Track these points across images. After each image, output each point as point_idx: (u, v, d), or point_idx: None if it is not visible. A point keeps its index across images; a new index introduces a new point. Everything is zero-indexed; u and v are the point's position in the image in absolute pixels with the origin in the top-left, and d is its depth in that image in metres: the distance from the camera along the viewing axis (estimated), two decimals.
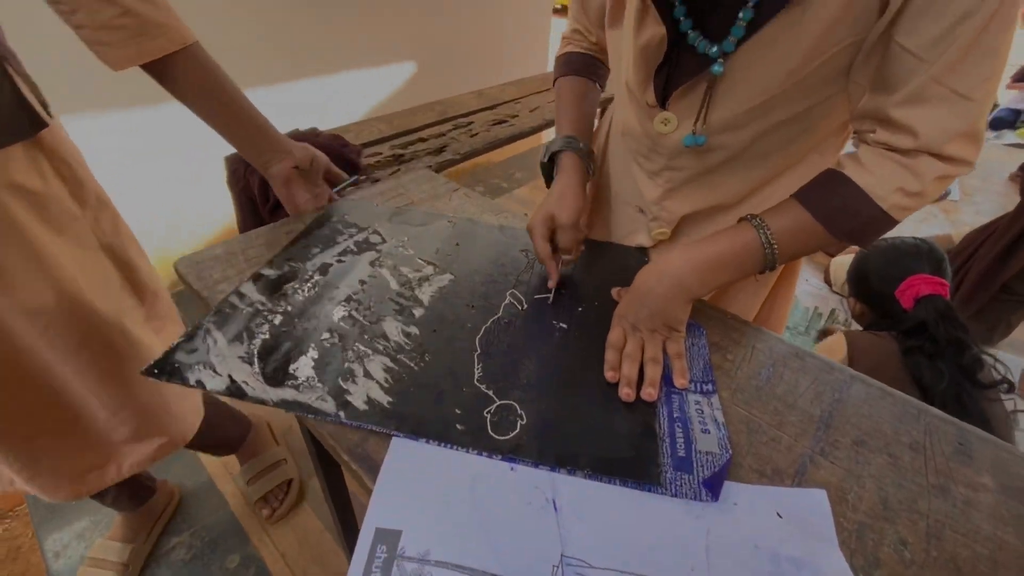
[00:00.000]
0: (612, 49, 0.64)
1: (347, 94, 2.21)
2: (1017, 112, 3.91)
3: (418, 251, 0.69)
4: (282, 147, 0.72)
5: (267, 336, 0.54)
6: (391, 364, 0.52)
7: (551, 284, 0.61)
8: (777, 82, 0.48)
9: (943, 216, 2.75)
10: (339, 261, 0.67)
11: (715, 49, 0.48)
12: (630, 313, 0.54)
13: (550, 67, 3.01)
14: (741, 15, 0.45)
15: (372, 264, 0.66)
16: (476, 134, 1.72)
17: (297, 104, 2.06)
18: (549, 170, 0.69)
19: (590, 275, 0.67)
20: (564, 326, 0.58)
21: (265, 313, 0.57)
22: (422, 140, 1.65)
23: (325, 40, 2.10)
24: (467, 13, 2.68)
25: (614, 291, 0.62)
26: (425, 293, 0.62)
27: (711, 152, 0.58)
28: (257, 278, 0.63)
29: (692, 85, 0.52)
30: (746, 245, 0.51)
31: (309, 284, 0.62)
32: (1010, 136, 3.81)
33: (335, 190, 1.34)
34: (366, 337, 0.55)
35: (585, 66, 0.70)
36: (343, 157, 1.43)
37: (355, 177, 1.41)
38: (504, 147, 1.81)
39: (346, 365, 0.51)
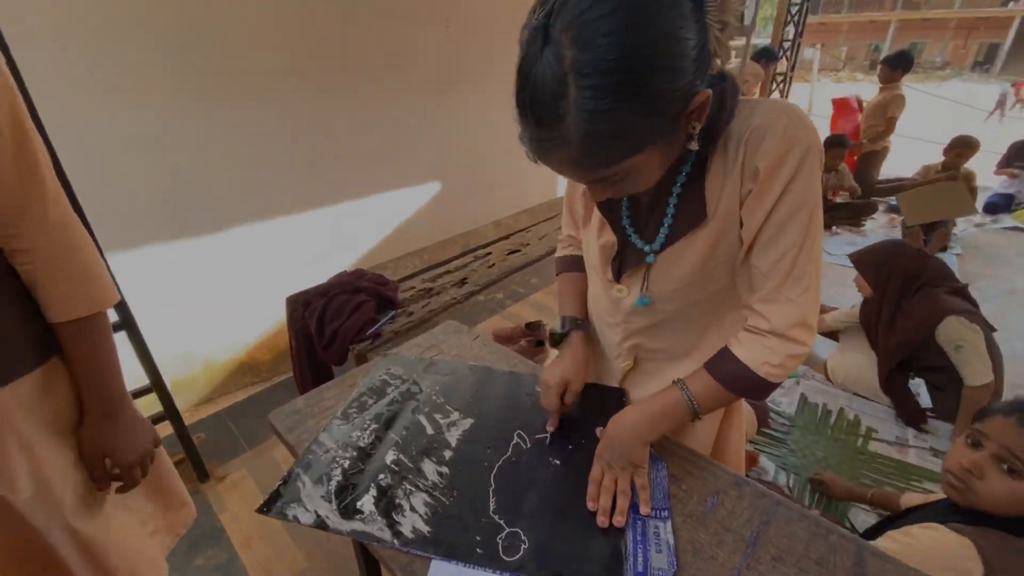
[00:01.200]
0: (583, 241, 0.89)
1: (378, 221, 2.57)
2: (1009, 196, 4.10)
3: (448, 399, 0.91)
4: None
5: (340, 478, 0.75)
6: (429, 499, 0.71)
7: (551, 428, 0.81)
8: (688, 273, 0.71)
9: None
10: (389, 410, 0.88)
11: (648, 247, 0.73)
12: (604, 454, 0.73)
13: (559, 192, 3.41)
14: (660, 234, 0.71)
15: (413, 412, 0.88)
16: (493, 264, 2.01)
17: (339, 233, 2.42)
18: (561, 337, 0.91)
19: (580, 415, 0.86)
20: (558, 462, 0.77)
21: (337, 459, 0.78)
22: (448, 272, 1.95)
23: (355, 174, 2.50)
24: (483, 143, 3.12)
25: (598, 430, 0.81)
26: (453, 436, 0.82)
27: (654, 312, 0.80)
28: (330, 429, 0.85)
29: (637, 268, 0.76)
30: (676, 402, 0.71)
31: (368, 432, 0.84)
32: (1007, 220, 3.97)
33: (377, 326, 1.61)
34: (410, 477, 0.75)
35: (578, 264, 0.96)
36: (384, 296, 1.72)
37: (392, 313, 1.69)
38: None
39: (397, 501, 0.71)
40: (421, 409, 0.89)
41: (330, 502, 0.71)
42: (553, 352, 0.93)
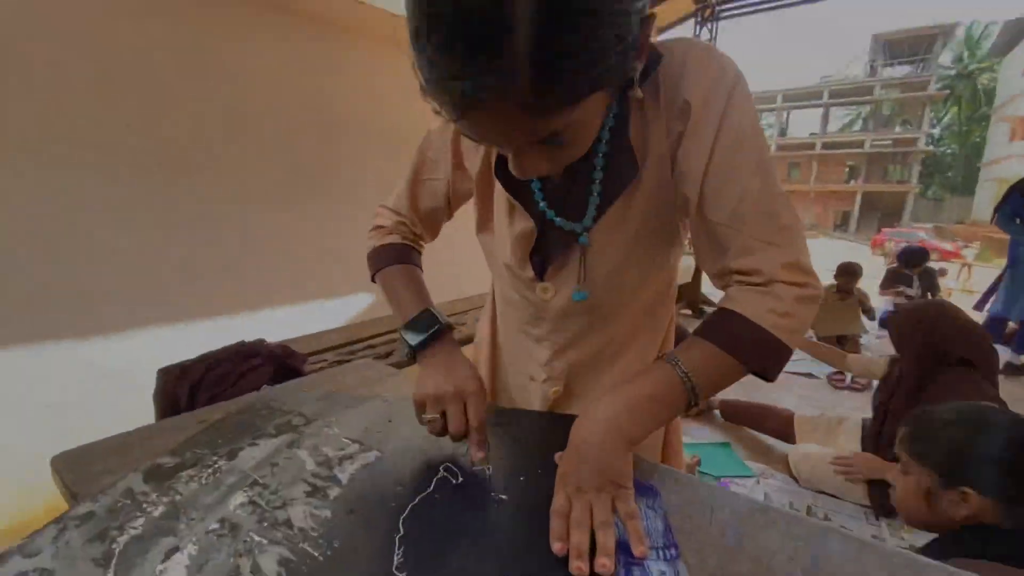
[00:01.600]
0: (485, 248, 0.72)
1: (301, 307, 2.32)
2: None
3: (344, 429, 0.64)
4: None
5: (139, 531, 0.44)
6: (288, 555, 0.42)
7: (481, 455, 0.56)
8: (628, 247, 0.59)
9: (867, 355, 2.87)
10: (252, 444, 0.60)
11: (578, 226, 0.59)
12: (571, 473, 0.49)
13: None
14: (589, 201, 0.57)
15: (289, 446, 0.60)
16: None
17: (248, 321, 2.12)
18: (430, 334, 0.64)
19: (530, 444, 0.62)
20: (504, 497, 0.51)
21: (145, 505, 0.48)
22: (371, 347, 1.69)
23: (282, 278, 2.30)
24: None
25: (557, 456, 0.57)
26: (345, 471, 0.55)
27: (590, 309, 0.64)
28: (146, 467, 0.54)
29: (566, 258, 0.62)
30: (668, 382, 0.51)
31: (209, 471, 0.54)
32: None
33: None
34: (264, 524, 0.46)
35: (408, 254, 0.75)
36: (286, 365, 1.41)
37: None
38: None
39: (232, 560, 0.41)
40: (302, 442, 0.61)
41: (106, 567, 0.40)
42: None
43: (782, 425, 2.30)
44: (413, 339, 0.63)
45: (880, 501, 1.78)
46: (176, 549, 0.42)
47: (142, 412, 1.75)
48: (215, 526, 0.45)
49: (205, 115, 2.07)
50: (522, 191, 0.60)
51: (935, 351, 1.67)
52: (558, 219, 0.59)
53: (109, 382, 1.82)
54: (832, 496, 1.94)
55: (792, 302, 0.50)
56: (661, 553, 0.44)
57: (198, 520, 0.46)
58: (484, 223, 0.69)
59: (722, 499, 0.52)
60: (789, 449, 2.13)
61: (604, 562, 0.41)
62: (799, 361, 3.49)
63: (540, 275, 0.64)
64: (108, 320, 1.81)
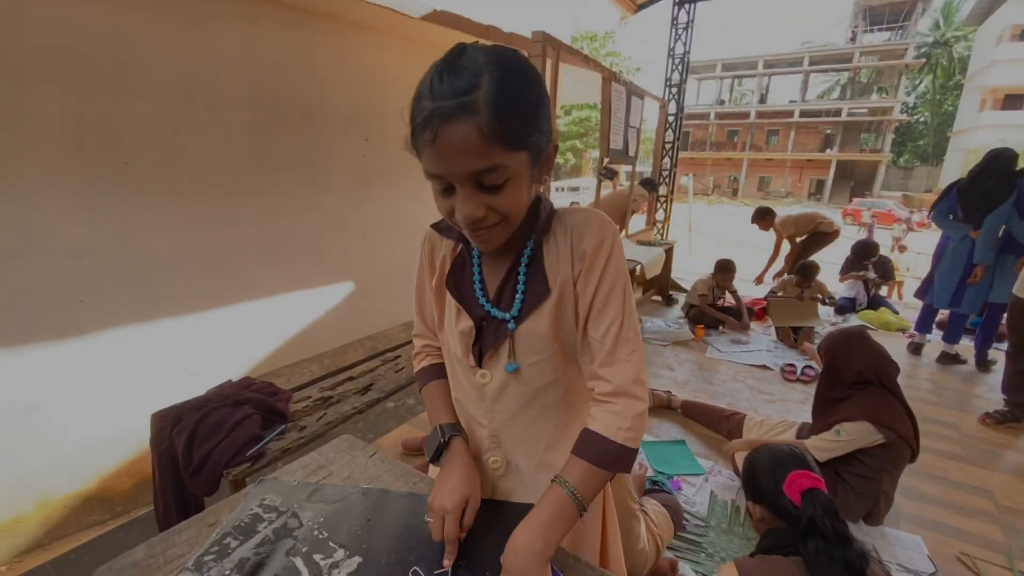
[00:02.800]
0: (442, 342, 0.91)
1: (280, 325, 2.41)
2: (852, 299, 4.87)
3: (331, 534, 0.78)
4: None
5: None
6: None
7: (448, 563, 0.72)
8: (544, 338, 0.77)
9: None
10: (256, 554, 0.74)
11: (508, 315, 0.78)
12: None
13: None
14: (516, 299, 0.77)
15: (287, 553, 0.74)
16: (402, 368, 1.92)
17: (230, 339, 2.21)
18: (440, 451, 0.84)
19: (482, 541, 0.78)
20: None
21: None
22: (351, 379, 1.82)
23: (264, 271, 2.38)
24: (397, 243, 3.16)
25: (502, 558, 0.73)
26: None
27: (520, 386, 0.81)
28: None
29: (499, 346, 0.79)
30: (559, 499, 0.69)
31: None
32: (853, 318, 4.66)
33: (261, 444, 1.42)
34: None
35: (440, 371, 0.95)
36: (272, 408, 1.54)
37: (281, 428, 1.51)
38: None
39: None
40: (298, 549, 0.75)
41: None
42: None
43: (734, 425, 2.54)
44: (428, 456, 0.85)
45: None
46: None
47: (117, 400, 1.84)
48: None
49: (176, 103, 2.07)
50: (466, 296, 0.81)
51: (839, 372, 1.95)
52: (494, 310, 0.78)
53: (90, 380, 1.89)
54: None
55: (632, 418, 0.72)
56: None
57: None
58: (440, 323, 0.88)
59: None
60: (734, 447, 2.36)
61: None
62: (754, 353, 3.75)
63: (479, 362, 0.81)
64: (84, 319, 1.86)
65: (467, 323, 0.80)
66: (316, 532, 0.79)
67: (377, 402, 1.68)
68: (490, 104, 0.58)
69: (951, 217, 3.44)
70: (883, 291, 5.34)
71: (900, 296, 6.36)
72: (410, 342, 2.41)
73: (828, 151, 29.36)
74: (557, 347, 0.79)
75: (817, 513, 1.13)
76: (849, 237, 6.67)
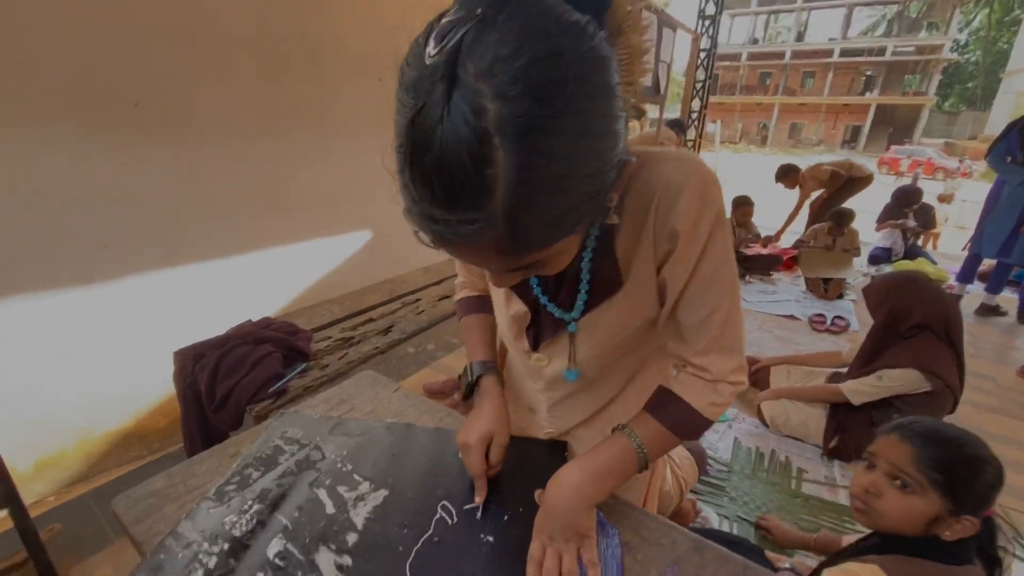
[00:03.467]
0: (494, 306, 0.81)
1: (303, 269, 2.38)
2: (887, 249, 4.65)
3: (356, 466, 0.75)
4: None
5: None
6: None
7: (479, 499, 0.67)
8: (611, 337, 0.67)
9: (848, 345, 3.08)
10: (279, 485, 0.71)
11: (568, 316, 0.67)
12: (545, 527, 0.60)
13: None
14: (577, 301, 0.65)
15: (311, 485, 0.71)
16: (423, 311, 1.87)
17: (250, 282, 2.19)
18: (471, 389, 0.79)
19: (514, 478, 0.73)
20: (491, 539, 0.63)
21: (201, 556, 0.59)
22: (371, 320, 1.78)
23: (281, 221, 2.32)
24: None
25: (536, 494, 0.69)
26: (360, 515, 0.66)
27: (583, 376, 0.73)
28: (195, 514, 0.65)
29: (557, 337, 0.70)
30: (625, 452, 0.63)
31: (247, 515, 0.65)
32: (887, 269, 4.46)
33: (283, 382, 1.40)
34: (299, 574, 0.57)
35: (482, 305, 0.86)
36: (293, 347, 1.52)
37: (302, 366, 1.49)
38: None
39: None
40: (322, 481, 0.72)
41: None
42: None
43: (760, 375, 2.48)
44: (461, 393, 0.79)
45: (832, 447, 2.00)
46: None
47: (145, 345, 1.86)
48: (260, 575, 0.57)
49: (185, 48, 1.98)
50: (519, 282, 0.66)
51: (899, 318, 1.82)
52: (550, 305, 0.67)
53: (117, 325, 1.91)
54: (793, 439, 2.16)
55: (728, 396, 0.62)
56: None
57: (245, 569, 0.58)
58: (491, 287, 0.78)
59: (667, 537, 0.64)
60: (762, 398, 2.32)
61: None
62: (782, 303, 3.63)
63: (534, 347, 0.72)
64: (108, 265, 1.86)
65: (519, 307, 0.70)
66: (340, 465, 0.75)
67: (398, 343, 1.65)
68: (512, 219, 0.38)
69: (1009, 160, 3.17)
70: (921, 241, 5.08)
71: (935, 247, 6.07)
72: (429, 286, 2.38)
73: (868, 94, 27.54)
74: (635, 336, 0.68)
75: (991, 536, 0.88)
76: (884, 184, 6.26)
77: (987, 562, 0.85)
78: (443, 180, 0.37)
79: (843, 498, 1.86)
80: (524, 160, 0.36)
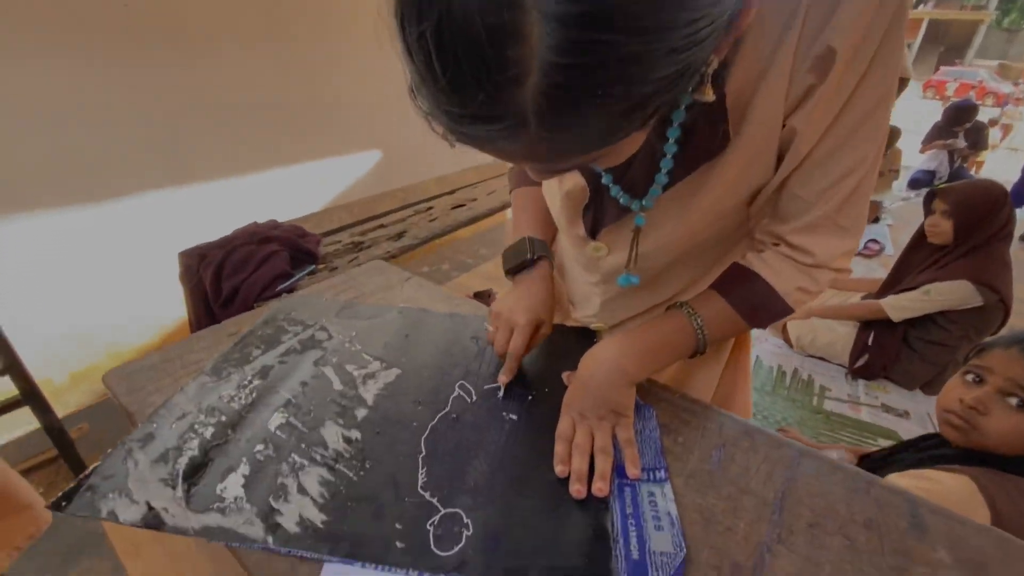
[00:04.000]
0: (543, 184, 0.67)
1: (311, 183, 2.27)
2: (931, 172, 4.34)
3: (365, 346, 0.68)
4: None
5: (196, 452, 0.51)
6: (328, 476, 0.49)
7: (504, 379, 0.60)
8: (692, 224, 0.53)
9: (882, 270, 2.93)
10: (281, 362, 0.65)
11: (636, 203, 0.52)
12: (576, 402, 0.53)
13: None
14: (656, 179, 0.49)
15: (316, 363, 0.65)
16: (435, 219, 1.77)
17: (258, 195, 2.10)
18: (522, 266, 0.66)
19: (540, 360, 0.66)
20: (515, 417, 0.57)
21: (196, 426, 0.54)
22: (382, 226, 1.69)
23: (289, 130, 2.19)
24: None
25: (564, 375, 0.62)
26: (370, 391, 0.60)
27: (644, 275, 0.61)
28: (191, 388, 0.60)
29: (619, 224, 0.56)
30: (680, 331, 0.53)
31: (247, 390, 0.59)
32: None
33: (291, 281, 1.34)
34: (303, 446, 0.52)
35: None
36: (301, 248, 1.44)
37: (311, 268, 1.42)
38: (468, 226, 1.87)
39: (279, 480, 0.48)
40: (328, 359, 0.66)
41: (174, 487, 0.47)
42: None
43: None
44: (505, 264, 0.67)
45: (859, 366, 1.93)
46: (231, 470, 0.49)
47: (154, 266, 1.84)
48: (260, 447, 0.52)
49: None
50: None
51: (980, 225, 1.66)
52: (614, 189, 0.52)
53: (128, 244, 1.88)
54: (816, 358, 2.10)
55: (823, 285, 0.50)
56: (651, 475, 0.50)
57: (244, 441, 0.52)
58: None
59: (712, 421, 0.57)
60: (791, 318, 2.23)
61: (600, 486, 0.47)
62: None
63: (592, 233, 0.59)
64: (115, 183, 1.79)
65: (577, 183, 0.54)
66: (348, 344, 0.69)
67: (410, 248, 1.57)
68: (549, 118, 0.27)
69: None
70: (968, 165, 4.73)
71: (978, 172, 5.67)
72: (443, 195, 2.26)
73: (921, 7, 24.93)
74: (722, 227, 0.54)
75: None
76: (930, 108, 5.71)
77: None
78: (449, 60, 0.25)
79: (866, 415, 1.82)
80: (568, 34, 0.23)
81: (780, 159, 0.47)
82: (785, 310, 0.52)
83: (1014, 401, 0.80)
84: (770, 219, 0.52)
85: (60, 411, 1.55)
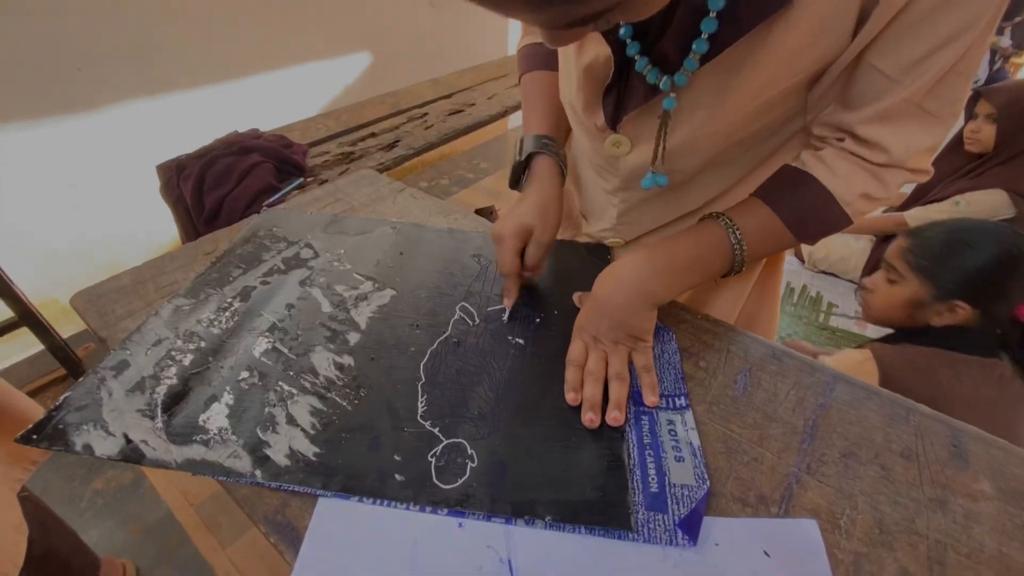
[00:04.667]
0: (560, 61, 0.57)
1: (294, 90, 2.08)
2: None
3: (355, 265, 0.62)
4: None
5: (174, 381, 0.47)
6: (320, 405, 0.45)
7: (508, 302, 0.55)
8: (734, 111, 0.43)
9: (908, 185, 2.80)
10: (264, 283, 0.59)
11: (666, 81, 0.42)
12: (590, 324, 0.48)
13: (510, 50, 2.91)
14: (695, 46, 0.39)
15: (302, 284, 0.59)
16: (431, 126, 1.63)
17: (239, 103, 1.93)
18: (520, 171, 0.60)
19: (549, 279, 0.60)
20: (521, 342, 0.52)
21: (174, 353, 0.50)
22: (373, 135, 1.56)
23: (270, 33, 1.97)
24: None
25: (576, 296, 0.56)
26: (362, 314, 0.55)
27: (671, 179, 0.52)
28: (166, 311, 0.54)
29: (646, 110, 0.46)
30: (715, 246, 0.46)
31: (227, 313, 0.54)
32: None
33: (278, 195, 1.25)
34: (291, 373, 0.48)
35: (551, 57, 0.61)
36: (287, 159, 1.33)
37: (299, 180, 1.32)
38: (467, 136, 1.73)
39: (266, 410, 0.44)
40: (315, 280, 0.60)
41: (153, 418, 0.43)
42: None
43: None
44: (509, 179, 0.60)
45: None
46: (213, 399, 0.45)
47: (142, 182, 1.75)
48: (245, 374, 0.47)
49: None
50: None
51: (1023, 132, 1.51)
52: (640, 60, 0.42)
53: (108, 155, 1.77)
54: (827, 274, 2.05)
55: (894, 189, 0.42)
56: (670, 402, 0.46)
57: (227, 368, 0.48)
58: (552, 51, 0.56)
59: (737, 343, 0.52)
60: None
61: (616, 416, 0.43)
62: None
63: (613, 123, 0.49)
64: (87, 89, 1.64)
65: (600, 51, 0.44)
66: (336, 263, 0.62)
67: (404, 159, 1.45)
68: None
69: None
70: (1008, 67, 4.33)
71: (1015, 74, 5.23)
72: (439, 99, 2.07)
73: None
74: (767, 105, 0.43)
75: None
76: None
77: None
78: None
79: (871, 332, 1.81)
80: None
81: (860, 23, 0.37)
82: (841, 222, 0.44)
83: (888, 277, 0.95)
84: (836, 106, 0.43)
85: (69, 330, 1.54)
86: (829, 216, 0.44)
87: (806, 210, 0.44)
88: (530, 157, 0.58)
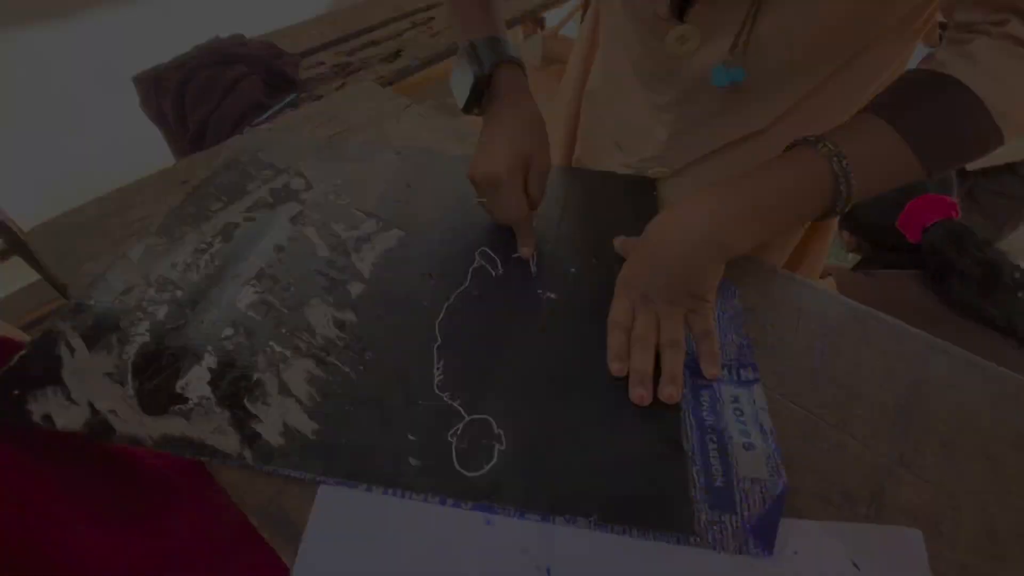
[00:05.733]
0: None
1: None
2: None
3: (356, 199, 0.52)
4: None
5: (147, 339, 0.40)
6: (318, 370, 0.38)
7: (529, 253, 0.46)
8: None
9: None
10: (248, 219, 0.50)
11: None
12: (639, 279, 0.40)
13: None
14: None
15: (293, 221, 0.50)
16: (438, 32, 1.44)
17: (221, 4, 1.71)
18: (483, 88, 0.46)
19: (584, 219, 0.51)
20: (553, 296, 0.44)
21: (146, 304, 0.42)
22: (373, 43, 1.38)
23: None
24: None
25: (617, 242, 0.47)
26: (365, 260, 0.46)
27: (746, 82, 0.41)
28: (135, 253, 0.46)
29: None
30: (810, 180, 0.35)
31: (207, 256, 0.46)
32: None
33: (269, 113, 1.12)
34: (284, 332, 0.40)
35: None
36: (277, 71, 1.18)
37: (292, 96, 1.18)
38: None
39: (255, 376, 0.37)
40: (308, 216, 0.51)
41: (122, 383, 0.37)
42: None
43: None
44: (460, 89, 0.46)
45: None
46: (194, 361, 0.38)
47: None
48: (228, 331, 0.40)
49: None
50: None
51: None
52: None
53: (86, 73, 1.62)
54: None
55: None
56: (735, 373, 0.38)
57: (207, 324, 0.41)
58: None
59: (813, 301, 0.44)
60: None
61: (671, 392, 0.36)
62: None
63: (680, 12, 0.39)
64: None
65: None
66: (332, 196, 0.53)
67: (409, 72, 1.29)
68: None
69: None
70: None
71: None
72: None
73: None
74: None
75: (948, 249, 0.81)
76: None
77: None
78: None
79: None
80: None
81: None
82: (989, 142, 0.33)
83: None
84: None
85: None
86: (974, 135, 0.33)
87: (943, 127, 0.33)
88: (496, 67, 0.45)
